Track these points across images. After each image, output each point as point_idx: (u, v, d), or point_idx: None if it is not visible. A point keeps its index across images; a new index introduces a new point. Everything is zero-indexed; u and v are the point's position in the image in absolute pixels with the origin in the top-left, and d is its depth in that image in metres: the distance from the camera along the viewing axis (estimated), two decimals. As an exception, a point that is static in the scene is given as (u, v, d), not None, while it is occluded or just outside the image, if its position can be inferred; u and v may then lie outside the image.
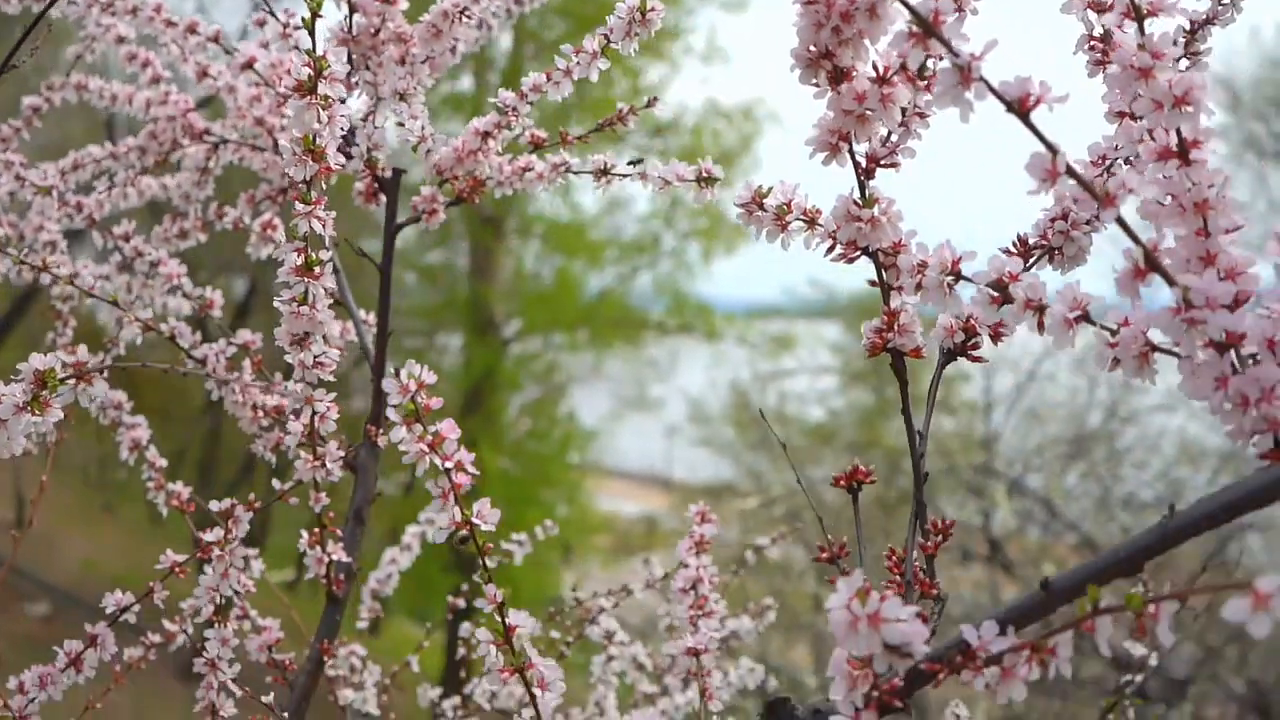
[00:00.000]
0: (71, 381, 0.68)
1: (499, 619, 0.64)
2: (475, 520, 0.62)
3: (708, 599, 0.94)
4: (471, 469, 0.62)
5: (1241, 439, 0.51)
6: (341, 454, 0.90)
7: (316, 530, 0.95)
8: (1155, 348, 0.54)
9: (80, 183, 1.24)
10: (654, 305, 12.12)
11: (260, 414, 1.02)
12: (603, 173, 0.95)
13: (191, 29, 1.09)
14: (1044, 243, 0.68)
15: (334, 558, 0.97)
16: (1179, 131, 0.53)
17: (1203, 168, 0.53)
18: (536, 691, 0.64)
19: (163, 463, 1.08)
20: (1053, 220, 0.68)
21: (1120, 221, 0.51)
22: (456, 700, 1.35)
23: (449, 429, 0.62)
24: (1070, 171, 0.50)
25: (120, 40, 1.19)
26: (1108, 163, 0.69)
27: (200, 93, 1.16)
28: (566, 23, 10.18)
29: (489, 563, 0.64)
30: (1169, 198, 0.54)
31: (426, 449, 0.61)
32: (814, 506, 0.86)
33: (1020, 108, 0.50)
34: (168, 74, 1.21)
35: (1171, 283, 0.51)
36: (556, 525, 1.46)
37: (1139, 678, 1.13)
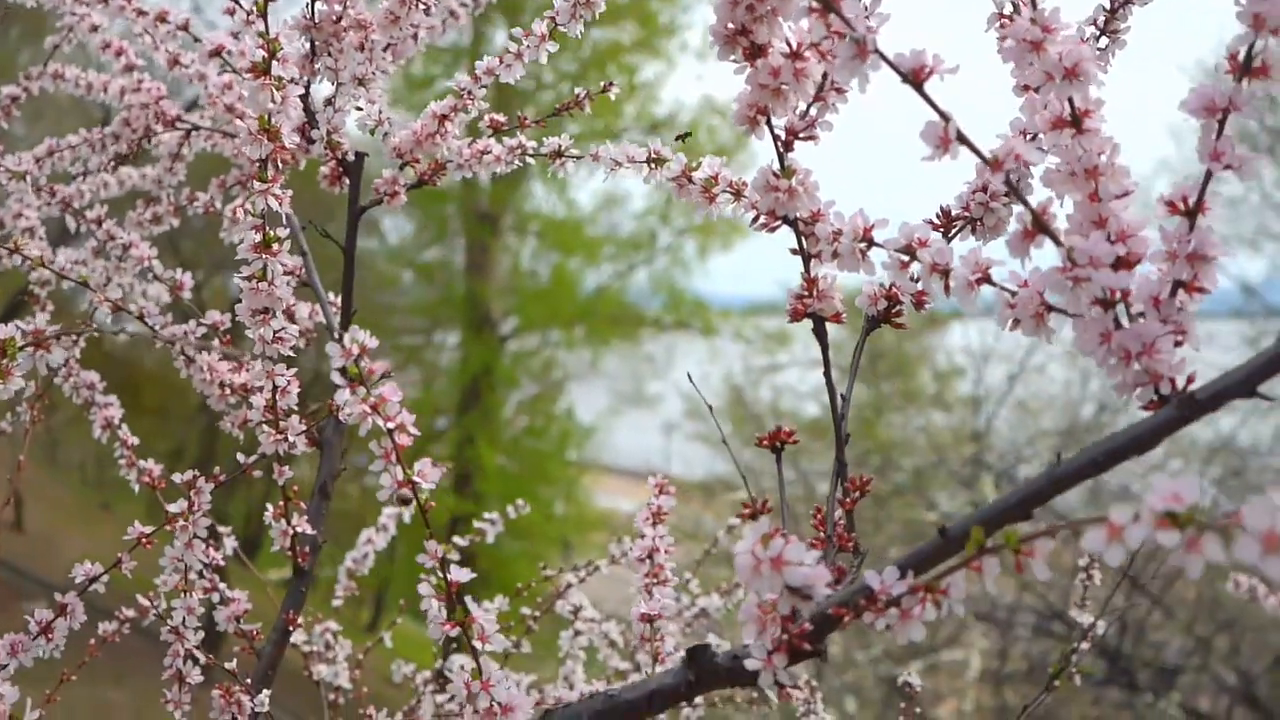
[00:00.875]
0: (30, 349, 0.71)
1: (440, 575, 0.67)
2: (416, 479, 0.65)
3: (663, 567, 0.97)
4: (413, 430, 0.65)
5: (1125, 392, 0.54)
6: (303, 428, 0.93)
7: (281, 504, 0.98)
8: (1050, 308, 0.57)
9: (59, 171, 1.27)
10: (650, 302, 12.15)
11: (227, 391, 1.05)
12: (557, 154, 0.97)
13: (161, 18, 1.12)
14: (965, 214, 0.70)
15: (298, 530, 0.99)
16: (1071, 101, 0.56)
17: (1094, 136, 0.56)
18: (477, 644, 0.67)
19: (134, 440, 1.11)
20: (974, 192, 0.71)
21: (1010, 185, 0.54)
22: (428, 674, 1.39)
23: (390, 392, 0.65)
24: (961, 138, 0.53)
25: (94, 29, 1.22)
26: (1028, 136, 0.72)
27: (171, 79, 1.19)
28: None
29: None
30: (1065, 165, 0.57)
31: (369, 410, 0.64)
32: (772, 496, 0.89)
33: (915, 78, 0.53)
34: (141, 62, 1.24)
35: (1058, 243, 0.54)
36: (528, 505, 1.49)
37: (1084, 645, 1.16)
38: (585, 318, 11.88)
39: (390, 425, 0.65)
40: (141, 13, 1.12)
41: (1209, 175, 0.54)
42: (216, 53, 1.10)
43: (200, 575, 0.95)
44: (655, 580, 0.97)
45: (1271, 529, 0.37)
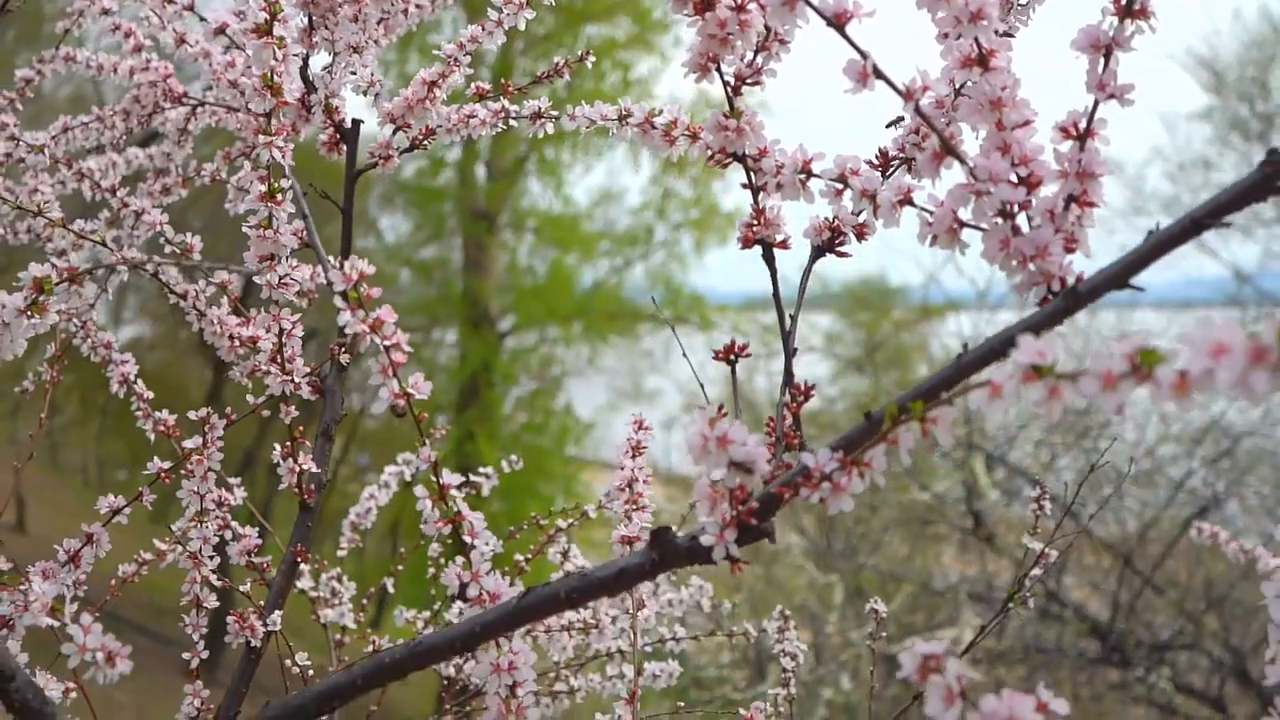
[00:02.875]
0: (65, 284, 0.79)
1: (434, 479, 0.75)
2: (411, 390, 0.73)
3: (642, 494, 1.05)
4: (407, 348, 0.73)
5: (1023, 290, 0.62)
6: (308, 369, 1.01)
7: (289, 443, 1.06)
8: (963, 223, 0.65)
9: (74, 149, 1.35)
10: (647, 297, 12.23)
11: (236, 344, 1.13)
12: (537, 116, 1.05)
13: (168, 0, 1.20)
14: (901, 154, 0.79)
15: (305, 469, 1.08)
16: (977, 42, 0.64)
17: (999, 74, 0.64)
18: (468, 539, 0.75)
19: (149, 394, 1.19)
20: (909, 134, 0.79)
21: (921, 114, 0.62)
22: (428, 614, 1.46)
23: (387, 314, 0.73)
24: (878, 73, 0.61)
25: (105, 12, 1.30)
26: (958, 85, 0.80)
27: (176, 58, 1.26)
28: (556, 17, 10.29)
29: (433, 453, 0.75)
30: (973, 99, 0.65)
31: (368, 329, 0.72)
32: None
33: (838, 22, 0.61)
34: (148, 43, 1.32)
35: (963, 162, 0.62)
36: (521, 461, 1.57)
37: (1037, 571, 1.24)
38: (582, 314, 11.95)
39: (387, 343, 0.73)
40: (151, -7, 1.20)
41: (1096, 103, 0.62)
42: (221, 30, 1.18)
43: (216, 506, 1.03)
44: (634, 507, 1.05)
45: (1109, 371, 0.46)
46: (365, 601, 1.45)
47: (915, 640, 0.53)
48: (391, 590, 1.58)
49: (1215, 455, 6.81)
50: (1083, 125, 0.63)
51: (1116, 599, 6.56)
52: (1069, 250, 0.62)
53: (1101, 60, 0.62)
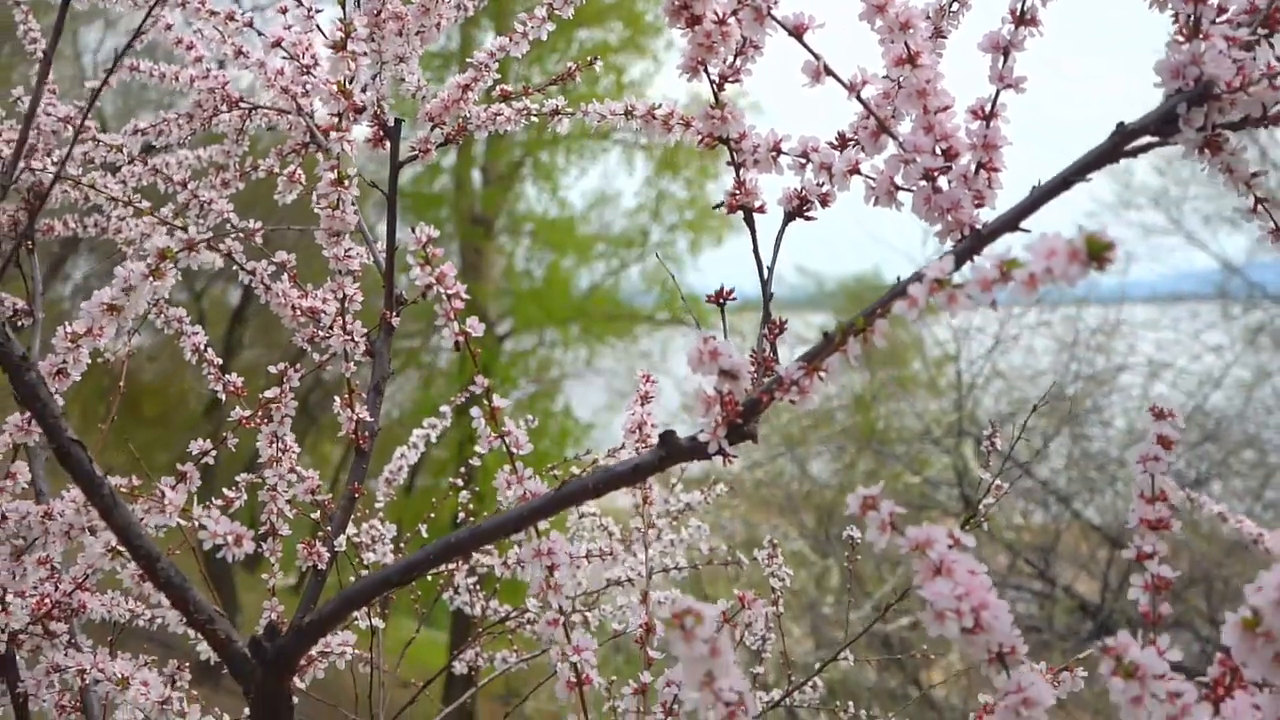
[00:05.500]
0: (185, 252, 0.97)
1: (487, 402, 0.93)
2: (469, 329, 0.92)
3: (650, 435, 1.24)
4: (464, 295, 0.92)
5: (944, 236, 0.81)
6: (365, 330, 1.20)
7: (347, 395, 1.25)
8: (898, 186, 0.84)
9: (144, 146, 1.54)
10: (644, 299, 12.40)
11: (297, 313, 1.31)
12: (555, 113, 1.24)
13: (230, 17, 1.39)
14: (854, 136, 0.97)
15: (361, 418, 1.26)
16: (906, 45, 0.83)
17: (924, 70, 0.83)
18: (514, 449, 0.93)
19: (219, 360, 1.38)
20: (859, 119, 0.97)
21: (862, 102, 0.81)
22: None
23: (449, 269, 0.91)
24: (828, 71, 0.80)
25: (169, 28, 1.48)
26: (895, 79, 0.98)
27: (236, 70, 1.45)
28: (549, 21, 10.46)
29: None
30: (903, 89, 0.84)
31: (434, 281, 0.91)
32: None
33: (797, 32, 0.80)
34: (207, 54, 1.50)
35: (894, 139, 0.81)
36: (536, 418, 1.76)
37: (990, 500, 1.42)
38: (580, 316, 12.13)
39: (449, 292, 0.91)
40: (213, 12, 1.39)
41: (997, 92, 0.81)
42: (277, 44, 1.37)
43: (286, 449, 1.22)
44: (643, 445, 1.23)
45: (985, 277, 0.64)
46: (403, 545, 1.63)
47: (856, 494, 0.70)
48: (425, 535, 1.76)
49: (1199, 439, 7.02)
50: (988, 109, 0.81)
51: (1106, 580, 6.76)
52: (978, 205, 0.81)
53: (1001, 57, 0.81)
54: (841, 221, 0.86)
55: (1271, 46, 0.75)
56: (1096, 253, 0.57)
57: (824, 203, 0.95)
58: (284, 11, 1.40)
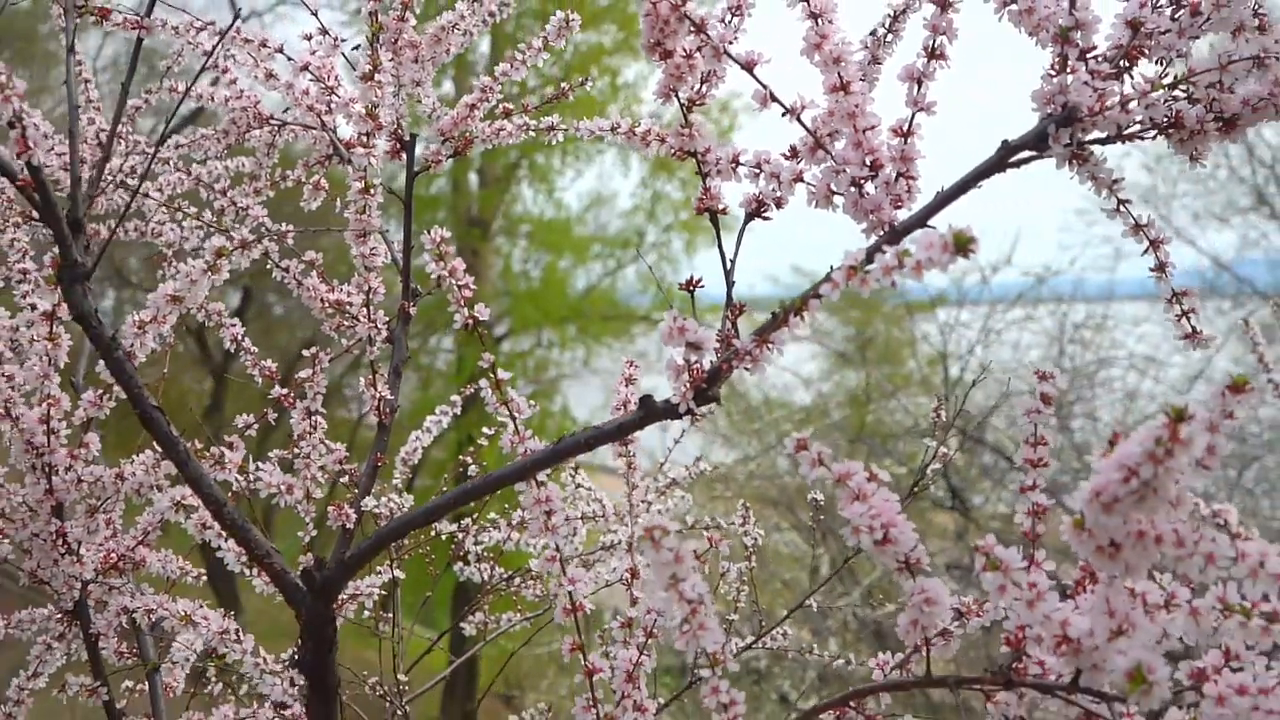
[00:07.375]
0: (239, 250, 1.15)
1: (493, 374, 1.11)
2: (477, 314, 1.10)
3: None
4: (472, 286, 1.10)
5: (869, 233, 0.99)
6: (387, 319, 1.38)
7: (370, 375, 1.43)
8: (833, 191, 1.02)
9: (183, 158, 1.72)
10: (640, 299, 12.57)
11: (325, 304, 1.49)
12: (552, 128, 1.42)
13: (263, 44, 1.56)
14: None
15: (383, 396, 1.44)
16: (839, 75, 1.01)
17: (855, 95, 1.01)
18: (516, 414, 1.11)
19: (255, 350, 1.55)
20: (803, 137, 1.15)
21: (800, 123, 0.99)
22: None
23: (459, 263, 1.09)
24: (773, 97, 0.98)
25: (206, 54, 1.66)
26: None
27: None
28: (542, 25, 10.64)
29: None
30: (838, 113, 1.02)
31: (447, 274, 1.09)
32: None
33: (748, 65, 0.98)
34: (238, 76, 1.68)
35: (828, 153, 0.99)
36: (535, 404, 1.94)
37: (936, 465, 1.60)
38: (576, 316, 12.30)
39: (459, 283, 1.09)
40: (248, 40, 1.57)
41: (913, 115, 0.99)
42: (304, 68, 1.55)
43: (317, 424, 1.39)
44: (629, 417, 1.41)
45: (886, 264, 0.82)
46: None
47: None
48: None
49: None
50: (905, 128, 0.99)
51: (1090, 568, 6.92)
52: (897, 207, 0.98)
53: (915, 85, 0.99)
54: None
55: (1131, 76, 0.94)
56: (962, 245, 0.75)
57: (778, 205, 1.13)
58: (308, 39, 1.58)
